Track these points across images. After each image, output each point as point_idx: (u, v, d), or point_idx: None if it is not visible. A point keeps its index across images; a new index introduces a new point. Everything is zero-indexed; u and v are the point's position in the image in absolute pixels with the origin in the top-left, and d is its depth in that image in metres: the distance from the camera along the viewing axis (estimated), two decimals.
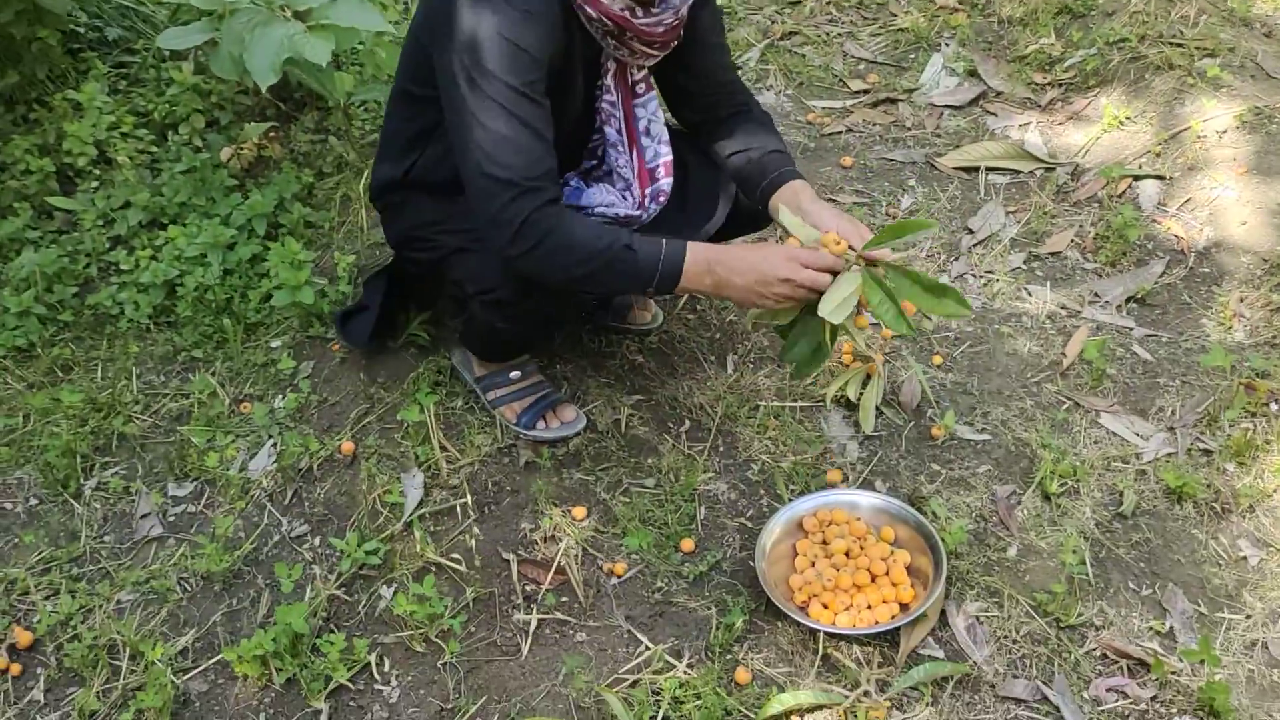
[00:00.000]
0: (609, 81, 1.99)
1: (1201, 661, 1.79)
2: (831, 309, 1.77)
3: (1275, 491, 2.10)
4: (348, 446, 2.27)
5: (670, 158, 2.08)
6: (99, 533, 2.19)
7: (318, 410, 2.39)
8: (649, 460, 2.24)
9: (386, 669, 1.91)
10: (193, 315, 2.61)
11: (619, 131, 2.04)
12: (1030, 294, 2.58)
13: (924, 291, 1.83)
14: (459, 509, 2.14)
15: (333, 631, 1.94)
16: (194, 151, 2.93)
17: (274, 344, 2.56)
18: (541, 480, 2.19)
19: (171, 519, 2.21)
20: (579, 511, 2.12)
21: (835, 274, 1.81)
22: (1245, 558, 2.02)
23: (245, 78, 2.55)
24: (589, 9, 1.83)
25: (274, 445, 2.31)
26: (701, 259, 1.83)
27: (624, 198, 2.06)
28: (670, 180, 2.07)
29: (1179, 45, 3.09)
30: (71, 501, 2.24)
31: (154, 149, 3.00)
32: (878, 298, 1.81)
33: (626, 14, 1.84)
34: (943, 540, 1.96)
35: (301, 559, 2.10)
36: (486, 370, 2.32)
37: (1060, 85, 3.18)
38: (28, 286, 2.67)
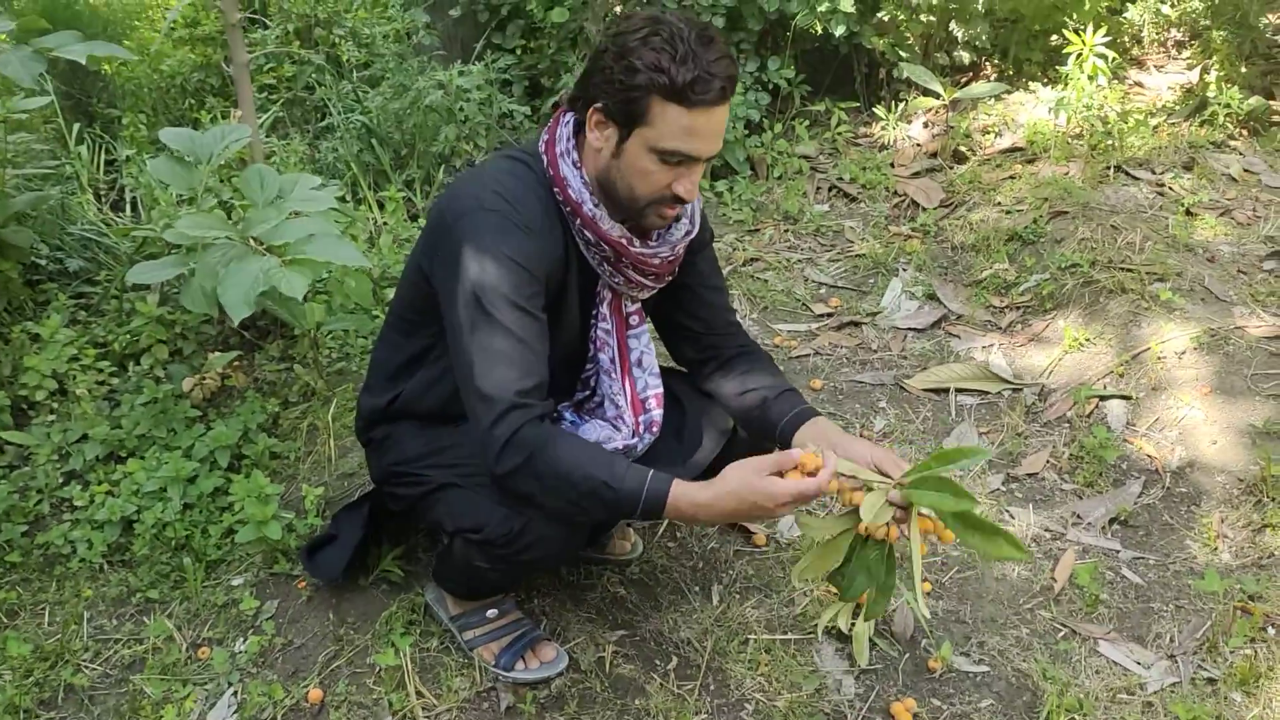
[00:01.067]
0: (604, 310, 2.00)
1: None
2: (873, 514, 1.72)
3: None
4: (315, 694, 2.13)
5: (660, 390, 2.06)
6: None
7: (282, 654, 2.25)
8: (636, 702, 2.12)
9: None
10: (149, 554, 2.49)
11: (612, 360, 2.03)
12: (1013, 516, 2.56)
13: (974, 531, 1.76)
14: None
15: None
16: (155, 382, 2.87)
17: (235, 582, 2.44)
18: None
19: None
20: None
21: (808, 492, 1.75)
22: None
23: (213, 310, 2.54)
24: (588, 233, 1.86)
25: (234, 694, 2.17)
26: (684, 503, 1.76)
27: (617, 428, 2.03)
28: (661, 411, 2.05)
29: (1129, 270, 3.20)
30: None
31: (113, 380, 2.93)
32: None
33: (624, 241, 1.86)
34: None
35: None
36: (462, 609, 2.22)
37: (1018, 309, 3.27)
38: None
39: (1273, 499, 2.47)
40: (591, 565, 2.42)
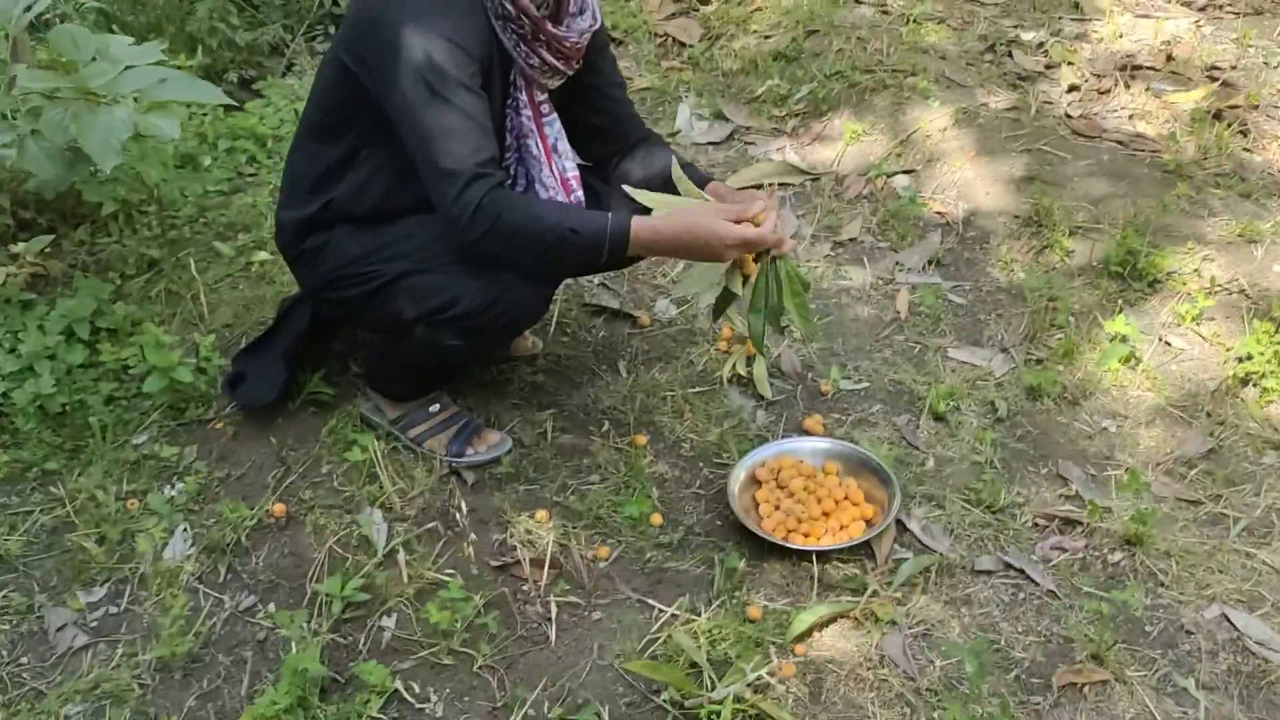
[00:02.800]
0: (522, 97, 2.12)
1: (1135, 491, 2.13)
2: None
3: (1103, 377, 2.53)
4: (278, 508, 2.17)
5: (578, 172, 2.22)
6: (12, 656, 1.96)
7: (223, 487, 2.26)
8: (584, 461, 2.32)
9: (418, 690, 1.85)
10: (35, 428, 2.39)
11: (537, 145, 2.16)
12: (848, 274, 2.92)
13: (802, 289, 2.07)
14: (428, 534, 2.11)
15: (339, 677, 1.86)
16: None
17: (138, 440, 2.39)
18: (497, 495, 2.21)
19: (94, 624, 2.02)
20: (542, 515, 2.16)
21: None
22: (1105, 428, 2.41)
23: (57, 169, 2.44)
24: (509, 6, 1.96)
25: (185, 530, 2.17)
26: (644, 236, 1.97)
27: None
28: (582, 192, 2.21)
29: (883, 71, 3.64)
30: None
31: None
32: (796, 300, 2.04)
33: (541, 17, 1.99)
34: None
35: (260, 627, 1.99)
36: (401, 411, 2.31)
37: (797, 115, 3.63)
38: None
39: (1044, 226, 2.97)
40: (502, 365, 2.56)
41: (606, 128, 2.30)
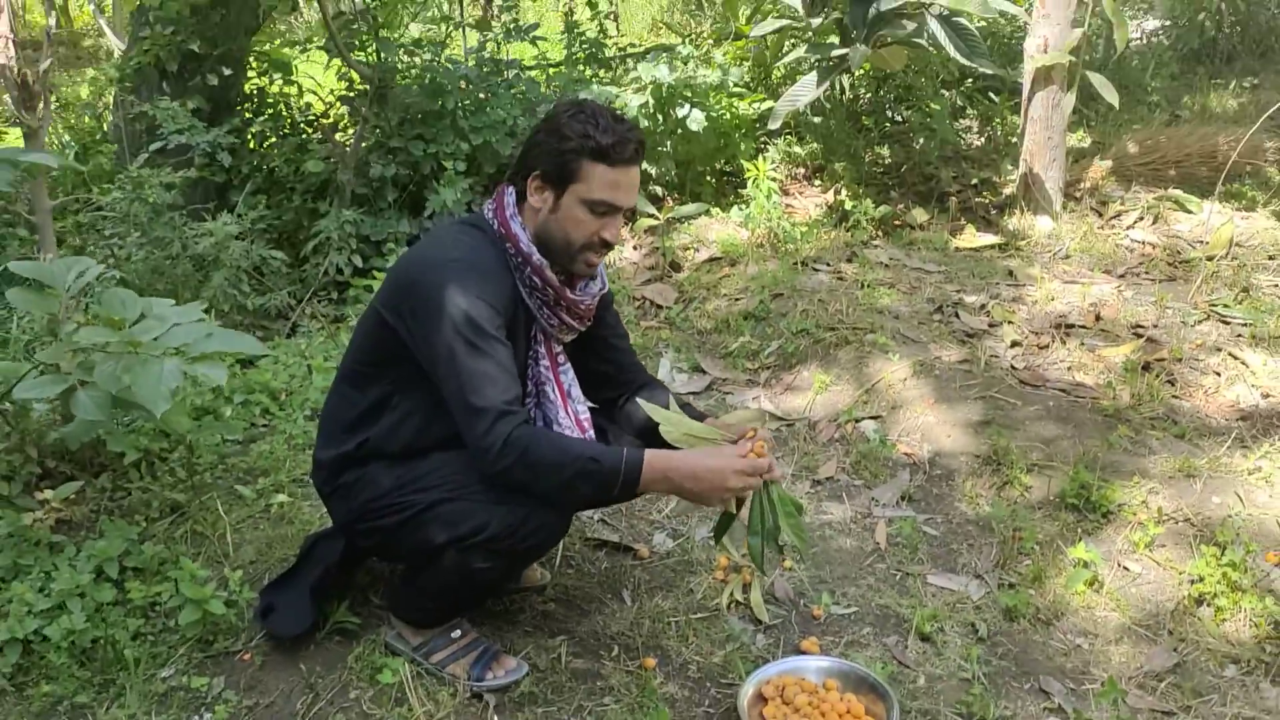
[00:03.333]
0: (541, 350, 2.41)
1: (1113, 700, 2.30)
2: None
3: (1071, 599, 2.74)
4: None
5: (589, 414, 2.48)
6: None
7: (252, 715, 2.36)
8: (598, 683, 2.45)
9: None
10: (67, 663, 2.49)
11: (554, 391, 2.43)
12: (828, 509, 3.16)
13: (795, 511, 2.33)
14: None
15: None
16: (17, 513, 2.84)
17: (165, 673, 2.49)
18: (519, 716, 2.33)
19: None
20: None
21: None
22: (1079, 645, 2.60)
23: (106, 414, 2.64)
24: (536, 279, 2.28)
25: None
26: (658, 467, 2.21)
27: None
28: (593, 433, 2.46)
29: (844, 329, 4.02)
30: None
31: None
32: (790, 520, 2.29)
33: (562, 286, 2.31)
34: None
35: None
36: (424, 638, 2.46)
37: (768, 368, 3.97)
38: None
39: (1002, 464, 3.26)
40: (513, 596, 2.73)
41: (613, 374, 2.59)
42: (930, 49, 4.69)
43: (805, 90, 4.68)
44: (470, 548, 2.24)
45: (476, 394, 2.14)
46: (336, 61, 5.33)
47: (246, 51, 5.23)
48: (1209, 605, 2.70)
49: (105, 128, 5.55)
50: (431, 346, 2.19)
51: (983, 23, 6.41)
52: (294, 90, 5.56)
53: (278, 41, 5.72)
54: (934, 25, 4.33)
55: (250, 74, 5.34)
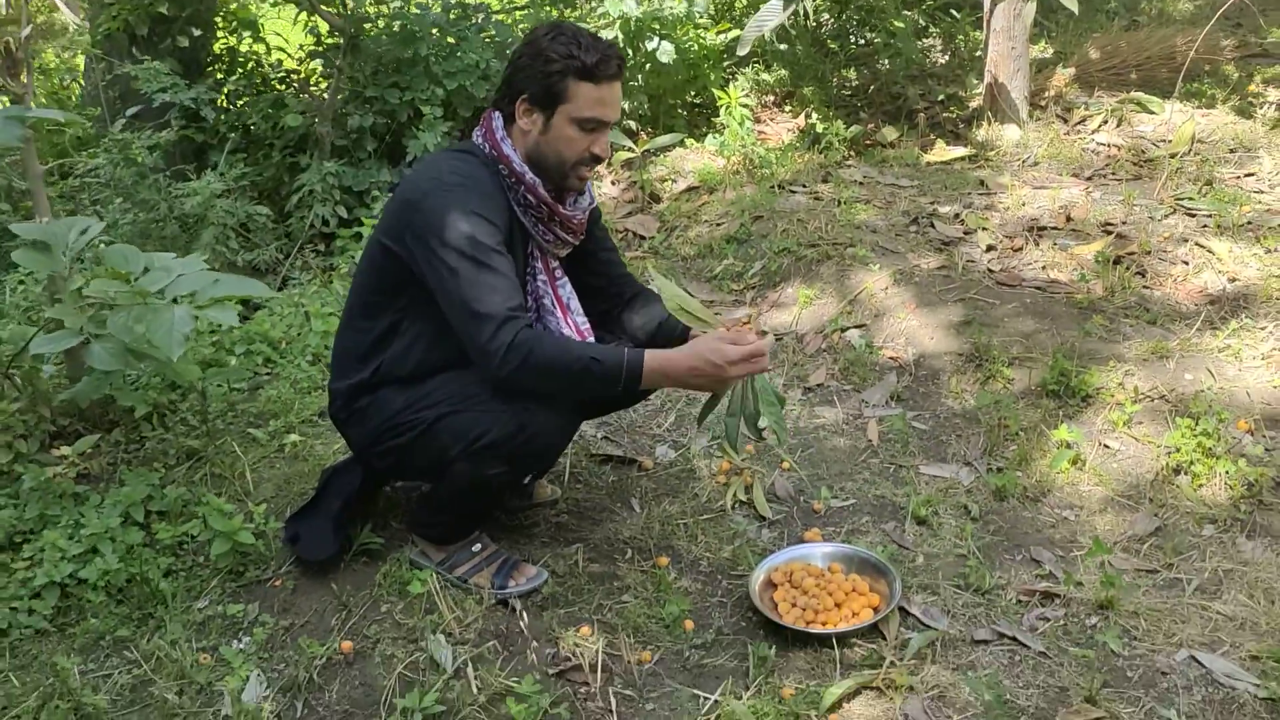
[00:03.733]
0: (538, 265, 2.51)
1: (1102, 563, 2.45)
2: None
3: (1056, 478, 2.89)
4: (346, 645, 2.39)
5: (589, 324, 2.59)
6: None
7: (289, 634, 2.48)
8: (615, 584, 2.58)
9: None
10: (105, 601, 2.60)
11: (553, 303, 2.53)
12: (821, 414, 3.29)
13: (777, 401, 2.45)
14: (488, 652, 2.35)
15: None
16: (40, 467, 2.93)
17: (201, 604, 2.60)
18: (544, 616, 2.46)
19: None
20: (585, 630, 2.41)
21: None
22: (1065, 517, 2.75)
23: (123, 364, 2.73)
24: (530, 196, 2.38)
25: (259, 674, 2.37)
26: (660, 359, 2.31)
27: None
28: (593, 339, 2.57)
29: (824, 245, 4.12)
30: None
31: None
32: (771, 409, 2.40)
33: (555, 202, 2.41)
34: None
35: None
36: (446, 553, 2.58)
37: (753, 288, 4.08)
38: None
39: (985, 360, 3.39)
40: (527, 511, 2.85)
41: (604, 286, 2.69)
42: None
43: (771, 15, 4.74)
44: (478, 454, 2.34)
45: (480, 302, 2.24)
46: (304, 16, 5.36)
47: (213, 11, 5.24)
48: (1186, 473, 2.85)
49: (78, 95, 5.56)
50: (435, 267, 2.29)
51: None
52: (262, 48, 5.58)
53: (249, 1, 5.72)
54: None
55: (220, 34, 5.35)
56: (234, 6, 5.35)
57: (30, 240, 2.94)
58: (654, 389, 2.39)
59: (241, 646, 2.45)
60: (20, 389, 3.22)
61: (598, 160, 2.41)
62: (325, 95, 4.91)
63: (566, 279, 2.59)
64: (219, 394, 3.41)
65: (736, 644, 2.39)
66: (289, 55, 5.64)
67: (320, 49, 5.38)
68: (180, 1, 4.93)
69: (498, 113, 2.43)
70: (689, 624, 2.43)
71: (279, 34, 5.86)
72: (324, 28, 5.33)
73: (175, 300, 2.76)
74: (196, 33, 5.01)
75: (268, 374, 3.66)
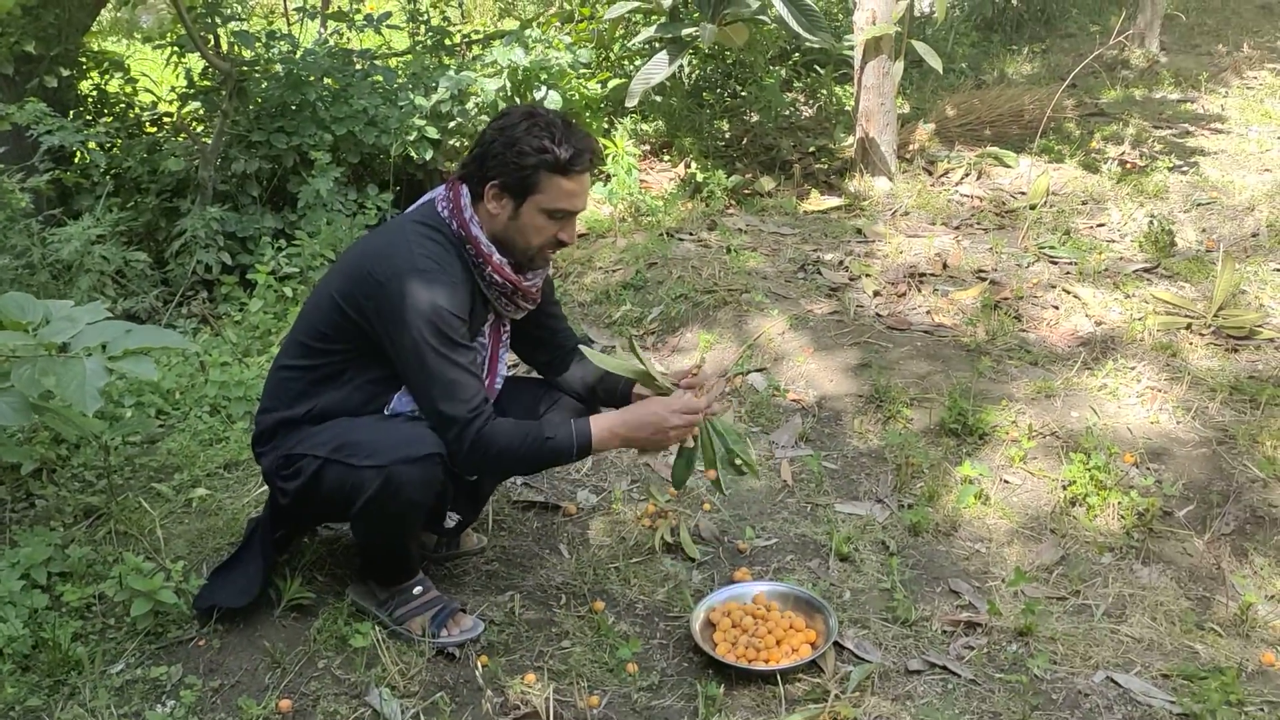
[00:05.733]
0: (486, 330, 2.52)
1: (1016, 593, 2.59)
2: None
3: (964, 512, 3.04)
4: (284, 704, 2.32)
5: (501, 382, 2.63)
6: None
7: (221, 695, 2.39)
8: (553, 630, 2.59)
9: None
10: (12, 670, 2.45)
11: (486, 363, 2.55)
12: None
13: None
14: (435, 705, 2.32)
15: None
16: None
17: (117, 668, 2.48)
18: (486, 666, 2.44)
19: None
20: (530, 677, 2.41)
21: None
22: (977, 550, 2.90)
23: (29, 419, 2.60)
24: (497, 277, 2.41)
25: None
26: (604, 428, 2.39)
27: None
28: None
29: (720, 291, 4.24)
30: None
31: None
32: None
33: (519, 278, 2.44)
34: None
35: None
36: (389, 593, 2.55)
37: (653, 333, 4.16)
38: None
39: (884, 401, 3.54)
40: (454, 560, 2.83)
41: (547, 339, 2.72)
42: (773, 24, 4.94)
43: (658, 68, 4.88)
44: (359, 512, 2.35)
45: (447, 401, 2.30)
46: (174, 57, 5.22)
47: (81, 50, 5.06)
48: (1081, 504, 3.04)
49: None
50: (400, 349, 2.32)
51: None
52: (130, 89, 5.40)
53: (115, 39, 5.52)
54: (778, 3, 4.59)
55: (89, 74, 5.15)
56: (103, 46, 5.17)
57: None
58: (603, 451, 2.48)
59: (168, 710, 2.35)
60: None
61: (562, 244, 2.47)
62: (206, 139, 4.78)
63: (508, 339, 2.62)
64: (116, 448, 3.27)
65: (682, 684, 2.42)
66: (159, 98, 5.47)
67: (192, 91, 5.24)
68: (48, 40, 4.73)
69: (465, 187, 2.43)
70: (633, 667, 2.45)
71: (146, 74, 5.69)
72: (196, 69, 5.20)
73: (86, 352, 2.65)
74: (65, 72, 4.82)
75: (162, 426, 3.53)
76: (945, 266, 4.53)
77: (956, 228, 5.02)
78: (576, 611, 2.65)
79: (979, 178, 5.63)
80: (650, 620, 2.64)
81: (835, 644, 2.51)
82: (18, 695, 2.39)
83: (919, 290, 4.31)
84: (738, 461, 2.54)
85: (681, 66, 6.11)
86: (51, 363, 2.60)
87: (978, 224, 5.08)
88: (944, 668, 2.47)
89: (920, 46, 5.32)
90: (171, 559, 2.76)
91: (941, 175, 5.66)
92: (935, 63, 5.30)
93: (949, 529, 2.98)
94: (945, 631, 2.60)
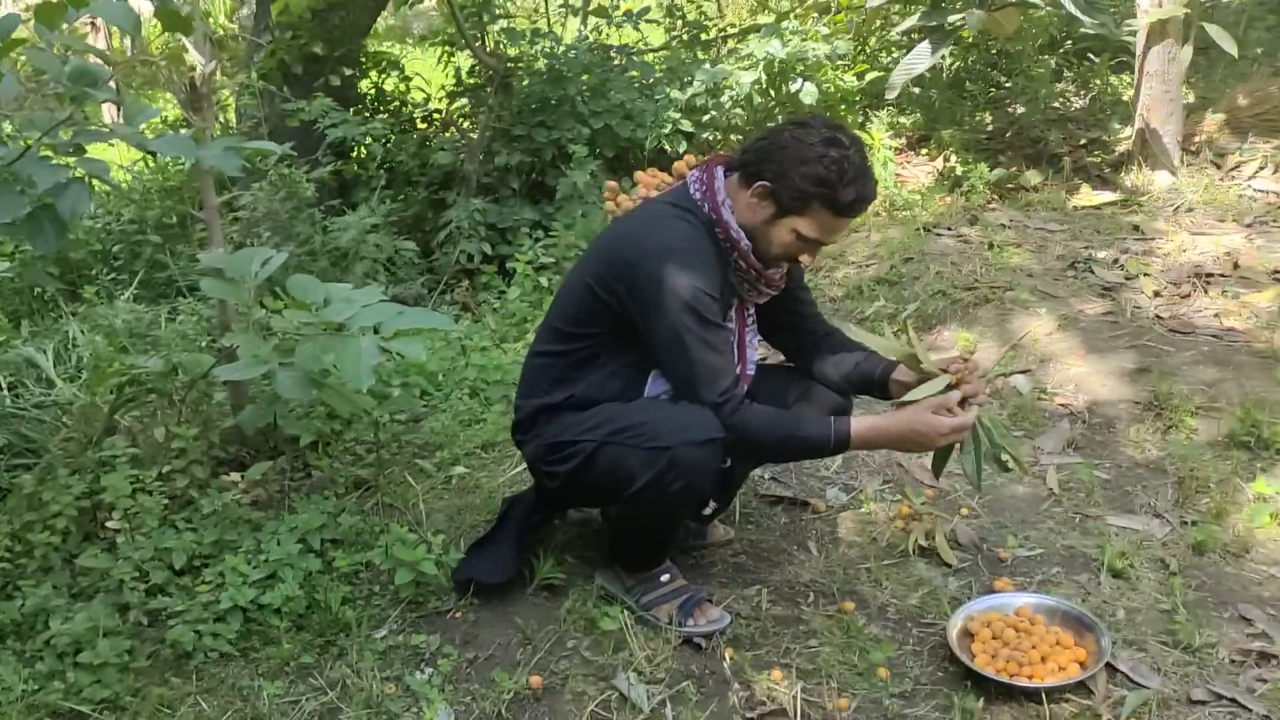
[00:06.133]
0: (732, 313, 2.49)
1: None
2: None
3: (1258, 532, 2.75)
4: (535, 680, 2.36)
5: (754, 370, 2.58)
6: None
7: (474, 668, 2.45)
8: (800, 628, 2.52)
9: None
10: (288, 627, 2.60)
11: (735, 348, 2.51)
12: None
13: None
14: (681, 693, 2.30)
15: None
16: (217, 493, 2.97)
17: (380, 634, 2.59)
18: (732, 659, 2.40)
19: None
20: (776, 674, 2.35)
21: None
22: (1273, 574, 2.62)
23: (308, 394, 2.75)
24: (743, 263, 2.38)
25: (446, 707, 2.34)
26: (866, 430, 2.33)
27: None
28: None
29: (982, 288, 4.04)
30: None
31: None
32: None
33: (763, 265, 2.40)
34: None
35: None
36: (637, 579, 2.55)
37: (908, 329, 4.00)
38: (78, 648, 2.54)
39: (1165, 409, 3.27)
40: (700, 551, 2.81)
41: (795, 324, 2.67)
42: (1045, 10, 4.68)
43: (920, 59, 4.71)
44: (635, 494, 2.33)
45: (704, 386, 2.30)
46: (445, 56, 5.46)
47: (362, 51, 5.37)
48: None
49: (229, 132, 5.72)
50: (655, 330, 2.33)
51: None
52: (404, 87, 5.70)
53: (389, 44, 5.86)
54: None
55: (368, 73, 5.48)
56: (381, 47, 5.48)
57: (214, 269, 3.00)
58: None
59: (425, 677, 2.44)
60: (188, 415, 3.28)
61: (797, 264, 2.43)
62: (472, 134, 4.98)
63: (755, 324, 2.57)
64: (385, 425, 3.43)
65: (937, 694, 2.30)
66: (430, 95, 5.75)
67: (460, 88, 5.48)
68: (333, 42, 5.05)
69: (721, 171, 2.41)
70: (884, 671, 2.35)
71: (418, 74, 5.99)
72: (465, 67, 5.43)
73: (362, 332, 2.79)
74: (348, 72, 5.13)
75: (425, 406, 3.68)
76: (1236, 267, 4.15)
77: (1249, 225, 4.59)
78: (825, 610, 2.57)
79: (1275, 171, 5.13)
80: (902, 625, 2.53)
81: (1107, 665, 2.32)
82: (292, 651, 2.54)
83: (1205, 292, 3.97)
84: (1004, 457, 2.40)
85: (943, 57, 5.88)
86: (331, 341, 2.74)
87: (1273, 222, 4.63)
88: (1233, 700, 2.24)
89: (1212, 29, 4.89)
90: (432, 532, 2.86)
91: (1232, 169, 5.20)
92: (1230, 46, 4.86)
93: (1239, 550, 2.71)
94: (1234, 661, 2.36)
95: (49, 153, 2.44)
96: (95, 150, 2.76)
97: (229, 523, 2.91)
